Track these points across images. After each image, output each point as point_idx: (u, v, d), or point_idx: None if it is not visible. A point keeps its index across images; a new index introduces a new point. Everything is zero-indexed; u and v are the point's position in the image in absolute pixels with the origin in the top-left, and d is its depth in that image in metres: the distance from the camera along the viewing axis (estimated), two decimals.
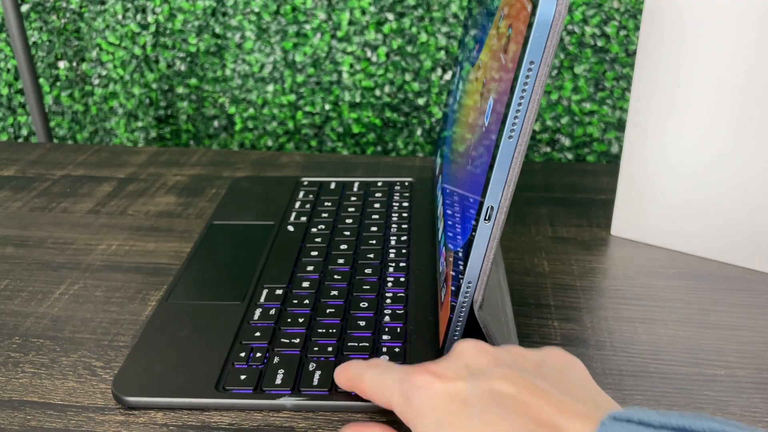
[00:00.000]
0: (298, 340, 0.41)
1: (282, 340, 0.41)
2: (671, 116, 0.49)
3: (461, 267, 0.35)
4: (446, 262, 0.41)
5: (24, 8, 0.84)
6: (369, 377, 0.34)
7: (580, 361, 0.32)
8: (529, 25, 0.28)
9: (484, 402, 0.28)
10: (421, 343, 0.41)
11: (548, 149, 0.83)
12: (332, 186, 0.61)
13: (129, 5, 0.83)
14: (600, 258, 0.51)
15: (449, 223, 0.42)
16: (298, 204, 0.58)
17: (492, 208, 0.32)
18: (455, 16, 0.79)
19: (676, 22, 0.47)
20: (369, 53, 0.81)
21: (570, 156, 0.83)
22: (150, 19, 0.83)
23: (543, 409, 0.27)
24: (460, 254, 0.36)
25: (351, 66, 0.82)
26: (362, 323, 0.42)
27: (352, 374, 0.35)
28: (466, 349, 0.32)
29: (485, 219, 0.32)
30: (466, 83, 0.46)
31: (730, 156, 0.48)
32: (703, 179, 0.49)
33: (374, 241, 0.52)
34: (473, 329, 0.37)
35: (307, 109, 0.85)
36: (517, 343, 0.41)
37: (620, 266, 0.50)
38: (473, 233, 0.33)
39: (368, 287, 0.46)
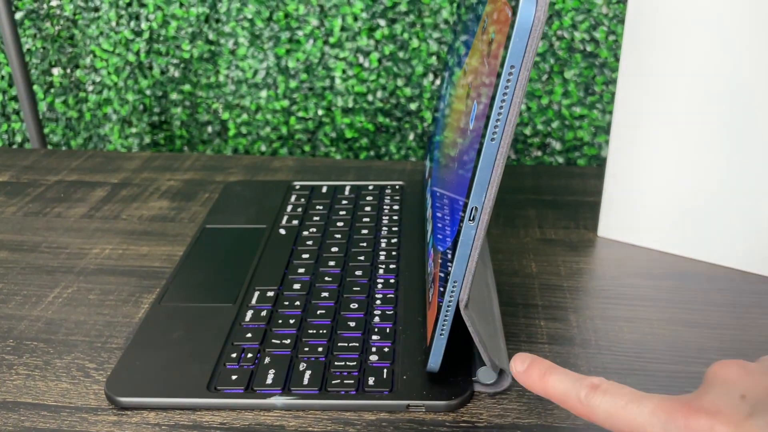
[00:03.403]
0: (288, 341, 0.42)
1: (273, 340, 0.42)
2: (655, 119, 0.50)
3: (448, 267, 0.36)
4: (434, 263, 0.41)
5: (18, 15, 0.85)
6: (601, 405, 0.29)
7: None
8: (509, 31, 0.29)
9: None
10: (410, 342, 0.41)
11: (539, 153, 0.84)
12: (324, 190, 0.61)
13: (123, 12, 0.84)
14: (587, 259, 0.52)
15: (438, 225, 0.43)
16: (290, 207, 0.59)
17: (476, 208, 0.33)
18: (446, 21, 0.80)
19: (659, 27, 0.48)
20: (361, 59, 0.82)
21: (561, 159, 0.84)
22: (144, 25, 0.84)
23: None
24: (448, 255, 0.37)
25: (343, 72, 0.83)
26: (352, 324, 0.43)
27: (566, 392, 0.31)
28: (733, 375, 0.27)
29: (470, 219, 0.33)
30: (454, 88, 0.47)
31: (712, 158, 0.49)
32: (687, 181, 0.50)
33: (365, 244, 0.52)
34: (460, 328, 0.37)
35: (300, 114, 0.86)
36: (504, 341, 0.42)
37: (606, 267, 0.51)
38: (458, 233, 0.34)
39: (358, 289, 0.47)
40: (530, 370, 0.32)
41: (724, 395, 0.27)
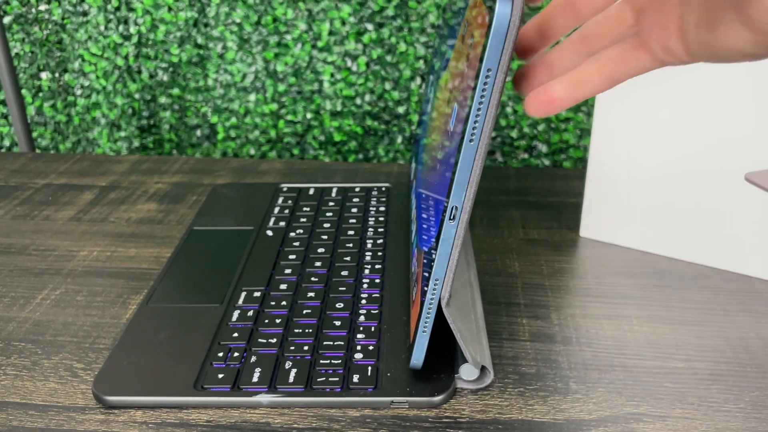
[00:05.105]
0: (275, 340, 0.42)
1: (259, 340, 0.42)
2: (634, 121, 0.51)
3: (431, 266, 0.36)
4: (418, 263, 0.42)
5: (6, 20, 0.85)
6: None
7: None
8: (486, 35, 0.30)
9: None
10: (394, 340, 0.42)
11: (526, 156, 0.85)
12: (311, 192, 0.62)
13: (111, 16, 0.84)
14: (569, 258, 0.53)
15: (422, 226, 0.44)
16: (277, 209, 0.59)
17: (456, 208, 0.34)
18: (433, 26, 0.81)
19: None
20: (349, 63, 0.83)
21: (547, 162, 0.85)
22: (132, 30, 0.84)
23: None
24: (432, 255, 0.37)
25: (332, 75, 0.84)
26: (338, 323, 0.44)
27: None
28: None
29: (450, 219, 0.34)
30: (439, 91, 0.48)
31: (691, 159, 0.50)
32: (666, 182, 0.51)
33: (351, 245, 0.53)
34: (443, 327, 0.38)
35: (289, 117, 0.86)
36: (486, 339, 0.43)
37: (588, 266, 0.52)
38: (439, 233, 0.35)
39: (344, 288, 0.47)
40: None
41: None
